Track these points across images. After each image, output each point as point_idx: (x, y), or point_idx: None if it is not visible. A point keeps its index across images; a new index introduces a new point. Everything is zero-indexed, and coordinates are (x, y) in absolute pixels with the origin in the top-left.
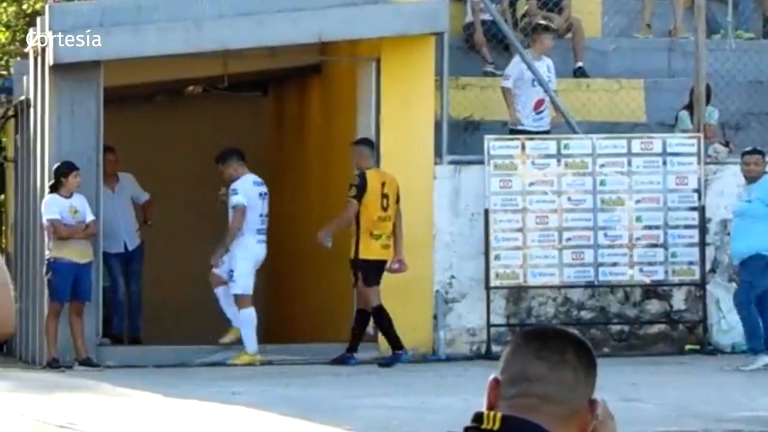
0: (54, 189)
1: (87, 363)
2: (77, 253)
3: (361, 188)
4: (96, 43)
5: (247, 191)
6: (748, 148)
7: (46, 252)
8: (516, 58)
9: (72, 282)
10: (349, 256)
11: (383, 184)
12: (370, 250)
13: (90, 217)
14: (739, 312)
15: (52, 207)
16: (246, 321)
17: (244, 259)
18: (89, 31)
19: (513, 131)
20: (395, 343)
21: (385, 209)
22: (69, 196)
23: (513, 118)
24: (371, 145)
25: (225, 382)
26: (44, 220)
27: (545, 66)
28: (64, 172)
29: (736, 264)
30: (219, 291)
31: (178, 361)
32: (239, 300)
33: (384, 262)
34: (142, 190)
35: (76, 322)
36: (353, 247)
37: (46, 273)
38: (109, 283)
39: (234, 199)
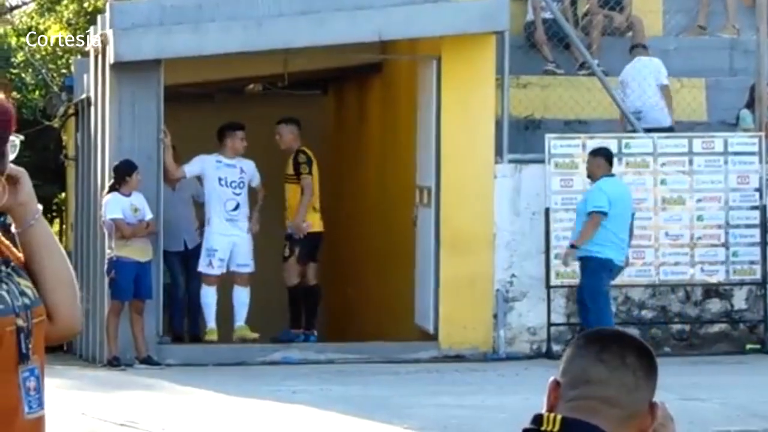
0: (114, 188)
1: (147, 361)
2: (139, 252)
3: None
4: (156, 41)
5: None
6: None
7: (107, 251)
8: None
9: (133, 280)
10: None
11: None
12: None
13: (150, 216)
14: None
15: (114, 206)
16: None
17: None
18: (150, 29)
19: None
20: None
21: None
22: (129, 194)
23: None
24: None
25: (285, 381)
26: (106, 219)
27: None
28: (125, 170)
29: None
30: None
31: (238, 359)
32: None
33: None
34: (201, 189)
35: (137, 321)
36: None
37: (108, 272)
38: (170, 281)
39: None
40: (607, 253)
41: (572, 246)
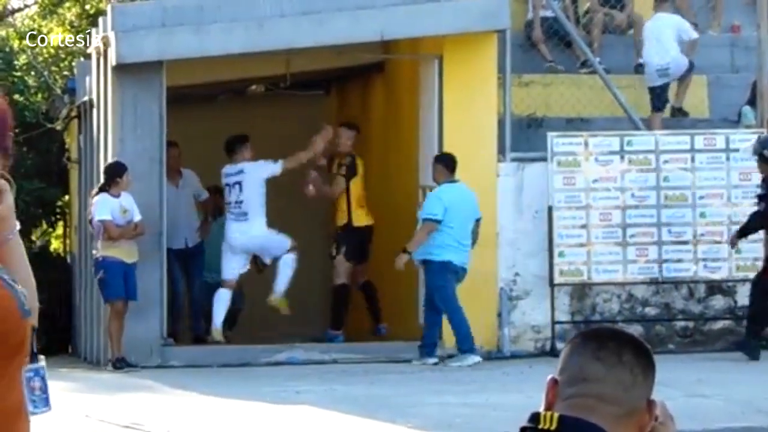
0: (103, 188)
1: (122, 362)
2: (125, 253)
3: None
4: (158, 43)
5: None
6: None
7: (93, 251)
8: None
9: (122, 279)
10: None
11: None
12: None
13: (138, 217)
14: None
15: (103, 207)
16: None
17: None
18: (151, 31)
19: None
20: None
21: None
22: (118, 195)
23: None
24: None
25: (289, 382)
26: (95, 220)
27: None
28: (116, 171)
29: None
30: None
31: (242, 360)
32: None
33: None
34: (203, 188)
35: (117, 322)
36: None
37: (96, 272)
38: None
39: None
40: (447, 255)
41: (404, 251)
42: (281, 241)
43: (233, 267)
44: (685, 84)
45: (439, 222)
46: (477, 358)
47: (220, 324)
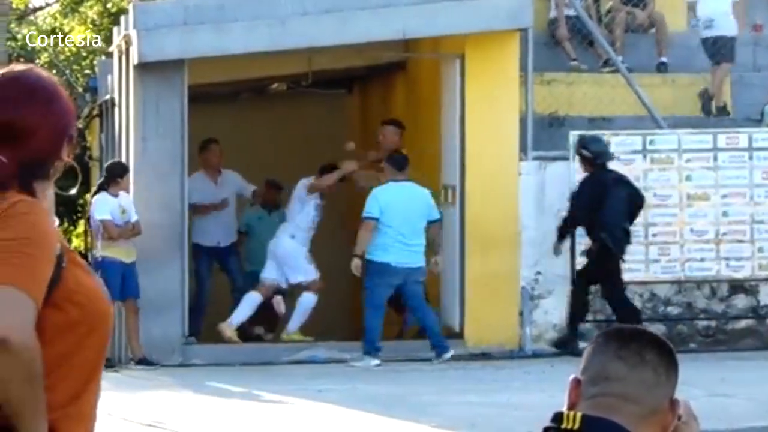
0: (102, 187)
1: (143, 362)
2: (124, 253)
3: None
4: (180, 41)
5: None
6: None
7: (94, 251)
8: None
9: (120, 280)
10: None
11: None
12: None
13: (135, 217)
14: None
15: (103, 207)
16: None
17: None
18: (173, 29)
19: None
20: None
21: None
22: (116, 195)
23: None
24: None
25: (311, 380)
26: (94, 220)
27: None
28: (118, 171)
29: None
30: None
31: (264, 359)
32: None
33: None
34: (247, 183)
35: (132, 321)
36: None
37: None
38: (195, 277)
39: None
40: (385, 257)
41: (354, 255)
42: (306, 269)
43: (269, 270)
44: (722, 72)
45: (375, 220)
46: (376, 361)
47: (236, 323)
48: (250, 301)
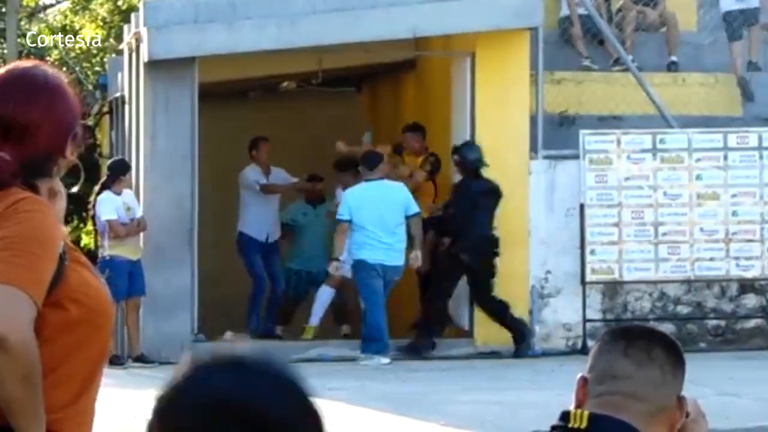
0: (105, 186)
1: (141, 359)
2: (131, 251)
3: None
4: (190, 39)
5: None
6: None
7: (100, 250)
8: None
9: (127, 279)
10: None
11: None
12: None
13: (140, 213)
14: None
15: (108, 206)
16: None
17: None
18: (184, 27)
19: None
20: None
21: None
22: (119, 193)
23: None
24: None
25: (321, 378)
26: (100, 220)
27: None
28: (121, 169)
29: None
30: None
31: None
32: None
33: None
34: (292, 178)
35: (133, 319)
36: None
37: (102, 271)
38: (250, 273)
39: None
40: (361, 254)
41: (331, 258)
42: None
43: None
44: (755, 34)
45: (348, 222)
46: (386, 360)
47: (316, 322)
48: (324, 295)
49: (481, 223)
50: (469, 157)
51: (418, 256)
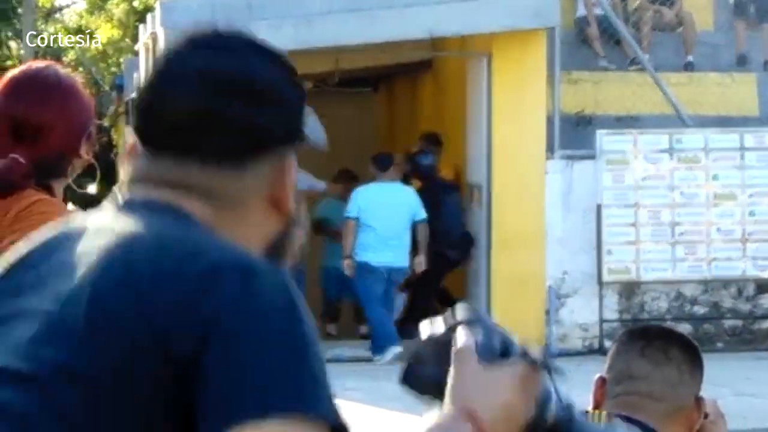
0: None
1: None
2: None
3: None
4: None
5: None
6: None
7: None
8: None
9: None
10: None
11: None
12: None
13: None
14: None
15: None
16: None
17: None
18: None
19: None
20: None
21: None
22: None
23: None
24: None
25: (338, 378)
26: None
27: None
28: None
29: None
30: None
31: None
32: None
33: None
34: (317, 180)
35: None
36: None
37: None
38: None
39: None
40: (365, 256)
41: (344, 257)
42: None
43: None
44: None
45: (355, 220)
46: (397, 348)
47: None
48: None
49: (450, 217)
50: (423, 163)
51: (422, 262)
